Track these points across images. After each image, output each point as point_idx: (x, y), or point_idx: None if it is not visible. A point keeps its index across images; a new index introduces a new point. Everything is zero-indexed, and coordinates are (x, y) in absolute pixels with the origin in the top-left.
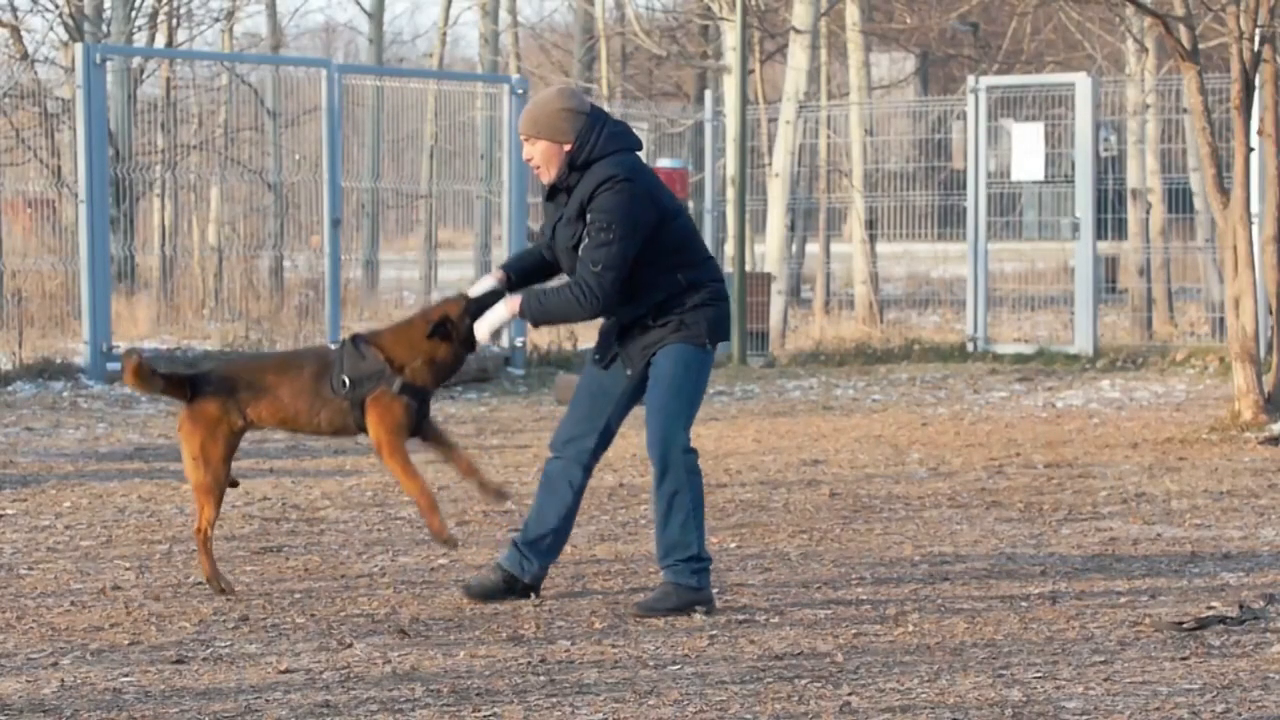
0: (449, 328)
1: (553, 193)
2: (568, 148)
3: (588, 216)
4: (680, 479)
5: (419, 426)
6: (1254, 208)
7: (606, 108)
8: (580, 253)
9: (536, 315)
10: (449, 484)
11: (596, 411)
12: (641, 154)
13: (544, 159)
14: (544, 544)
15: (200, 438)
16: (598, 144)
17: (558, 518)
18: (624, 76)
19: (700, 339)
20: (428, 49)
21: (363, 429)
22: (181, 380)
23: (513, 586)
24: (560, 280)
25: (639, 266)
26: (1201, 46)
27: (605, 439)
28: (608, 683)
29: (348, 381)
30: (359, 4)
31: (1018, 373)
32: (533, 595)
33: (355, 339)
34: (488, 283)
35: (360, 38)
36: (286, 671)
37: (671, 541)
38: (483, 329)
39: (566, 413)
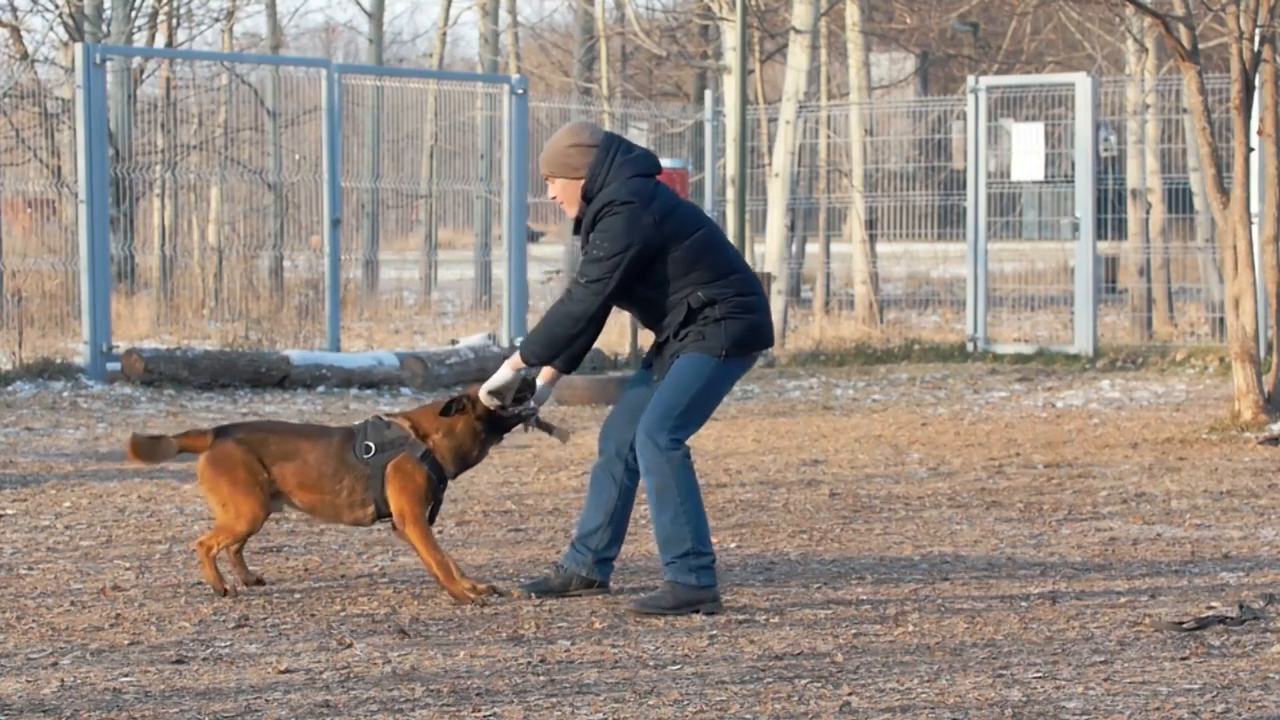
0: (464, 404)
1: (577, 226)
2: (581, 183)
3: (590, 239)
4: (663, 474)
5: (430, 515)
6: (1254, 208)
7: (606, 108)
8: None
9: (533, 348)
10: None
11: (636, 410)
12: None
13: (564, 195)
14: (594, 539)
15: (225, 483)
16: (608, 174)
17: (604, 513)
18: (624, 76)
19: (716, 350)
20: (428, 49)
21: (382, 510)
22: (201, 432)
23: (568, 584)
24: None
25: (654, 289)
26: (1201, 46)
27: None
28: (608, 683)
29: (372, 447)
30: (359, 4)
31: (1018, 373)
32: (595, 585)
33: (378, 417)
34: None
35: (360, 38)
36: (286, 671)
37: (665, 537)
38: (482, 388)
39: (610, 412)
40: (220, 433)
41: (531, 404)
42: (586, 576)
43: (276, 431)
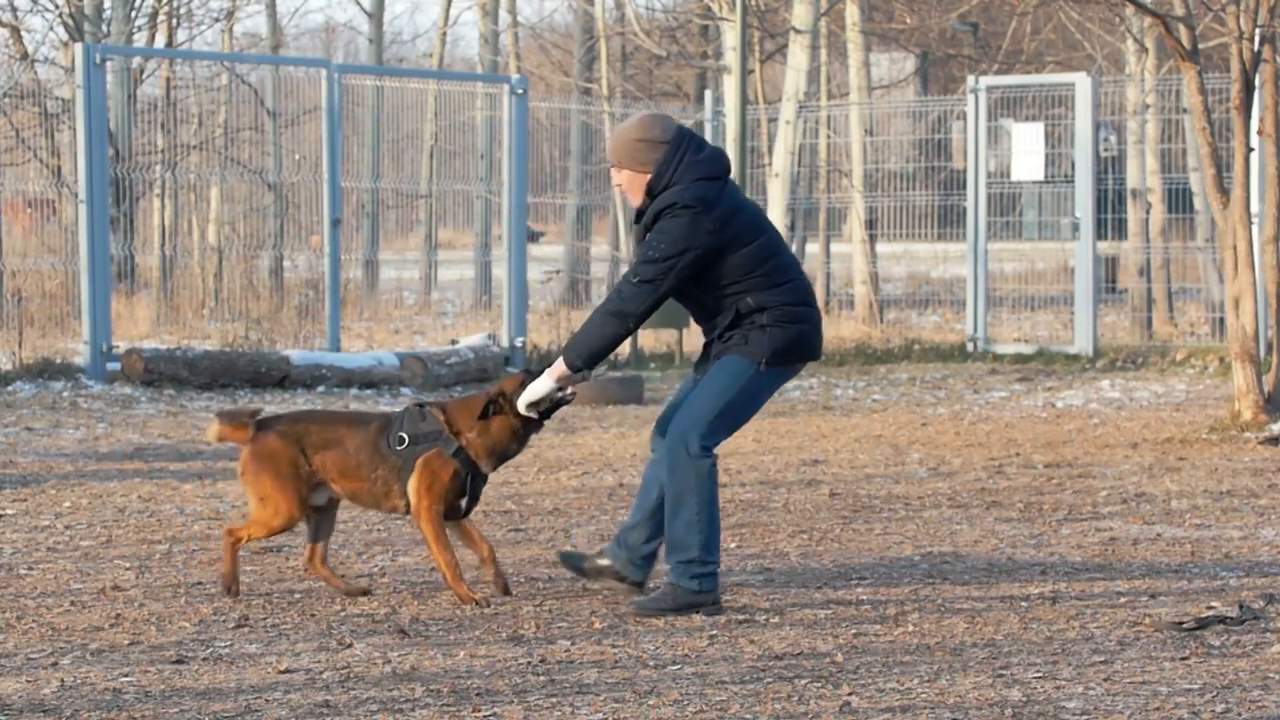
0: (502, 404)
1: (638, 216)
2: (647, 177)
3: (647, 238)
4: (686, 480)
5: (466, 507)
6: (1254, 208)
7: (606, 108)
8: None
9: (577, 352)
10: None
11: None
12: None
13: (629, 186)
14: (631, 535)
15: (268, 478)
16: (675, 173)
17: (644, 512)
18: (624, 76)
19: (757, 356)
20: (428, 49)
21: (408, 502)
22: (242, 423)
23: (601, 572)
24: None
25: (708, 291)
26: (1201, 46)
27: None
28: (608, 683)
29: (405, 438)
30: (359, 4)
31: (1018, 373)
32: (627, 581)
33: (418, 404)
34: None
35: (360, 38)
36: (286, 671)
37: (674, 541)
38: (520, 400)
39: (661, 413)
40: (262, 425)
41: (570, 391)
42: (620, 571)
43: (317, 420)
